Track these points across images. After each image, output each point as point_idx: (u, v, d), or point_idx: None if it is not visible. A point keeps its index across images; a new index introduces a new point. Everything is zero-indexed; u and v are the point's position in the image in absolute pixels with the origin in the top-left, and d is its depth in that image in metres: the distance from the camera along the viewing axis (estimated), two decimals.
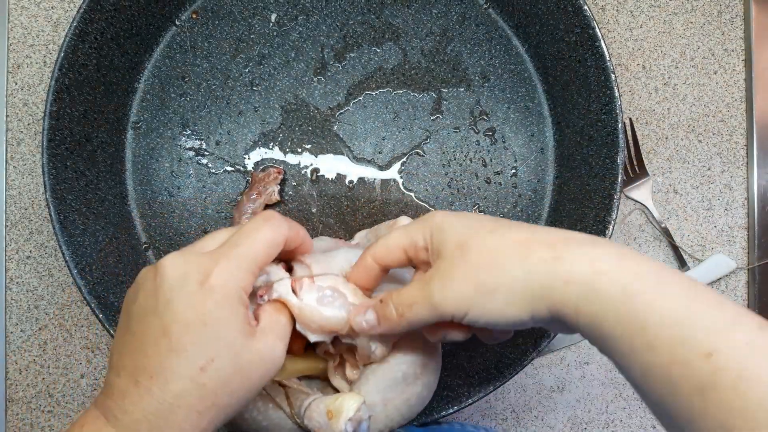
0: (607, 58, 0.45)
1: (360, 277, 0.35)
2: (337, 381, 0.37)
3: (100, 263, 0.46)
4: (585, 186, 0.48)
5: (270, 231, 0.31)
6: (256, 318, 0.32)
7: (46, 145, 0.44)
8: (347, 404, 0.33)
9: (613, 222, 0.46)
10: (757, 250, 0.54)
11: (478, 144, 0.51)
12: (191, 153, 0.51)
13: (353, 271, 0.35)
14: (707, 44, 0.56)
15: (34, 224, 0.53)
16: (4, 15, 0.54)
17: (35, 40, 0.54)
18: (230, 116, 0.51)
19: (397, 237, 0.34)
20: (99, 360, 0.53)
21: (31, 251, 0.53)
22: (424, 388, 0.36)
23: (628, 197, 0.54)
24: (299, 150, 0.51)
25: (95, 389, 0.53)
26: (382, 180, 0.51)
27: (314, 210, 0.50)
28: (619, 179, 0.46)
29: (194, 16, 0.51)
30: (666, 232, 0.54)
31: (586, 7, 0.46)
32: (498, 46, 0.51)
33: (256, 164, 0.51)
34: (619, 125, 0.45)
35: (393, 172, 0.51)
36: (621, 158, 0.46)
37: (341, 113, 0.51)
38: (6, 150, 0.53)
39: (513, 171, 0.51)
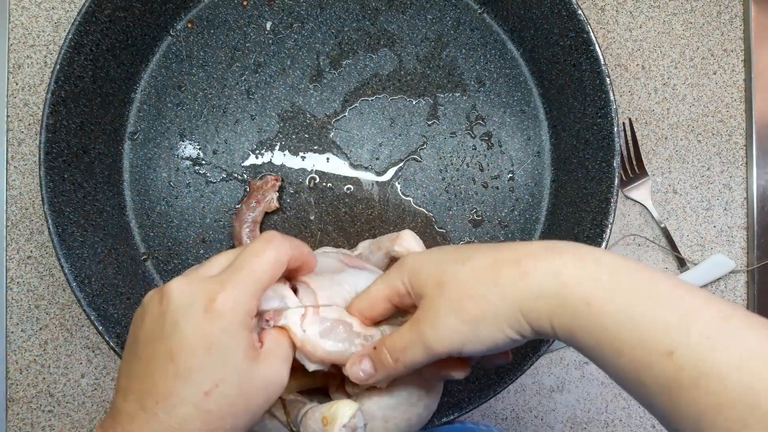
0: (602, 62, 0.45)
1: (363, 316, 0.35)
2: (336, 396, 0.37)
3: (99, 275, 0.46)
4: (582, 189, 0.48)
5: (273, 252, 0.31)
6: (260, 340, 0.32)
7: (43, 158, 0.44)
8: (342, 411, 0.33)
9: (610, 225, 0.46)
10: (756, 250, 0.54)
11: (475, 149, 0.51)
12: (188, 162, 0.51)
13: (354, 311, 0.35)
14: (706, 44, 0.56)
15: (35, 224, 0.53)
16: (5, 15, 0.54)
17: (36, 40, 0.54)
18: (227, 125, 0.51)
19: (377, 290, 0.34)
20: (99, 360, 0.53)
21: (31, 251, 0.53)
22: (425, 410, 0.36)
23: (627, 197, 0.55)
24: (296, 158, 0.51)
25: (95, 389, 0.53)
26: (379, 186, 0.51)
27: (312, 217, 0.51)
28: (616, 183, 0.46)
29: (189, 25, 0.51)
30: (665, 232, 0.54)
31: (580, 12, 0.46)
32: (493, 51, 0.51)
33: (254, 173, 0.51)
34: (615, 129, 0.46)
35: (390, 178, 0.51)
36: (617, 162, 0.46)
37: (338, 120, 0.51)
38: (7, 150, 0.53)
39: (510, 175, 0.51)
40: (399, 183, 0.51)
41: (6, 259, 0.53)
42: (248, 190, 0.50)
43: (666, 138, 0.55)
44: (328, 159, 0.51)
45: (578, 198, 0.48)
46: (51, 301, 0.53)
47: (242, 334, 0.30)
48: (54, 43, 0.54)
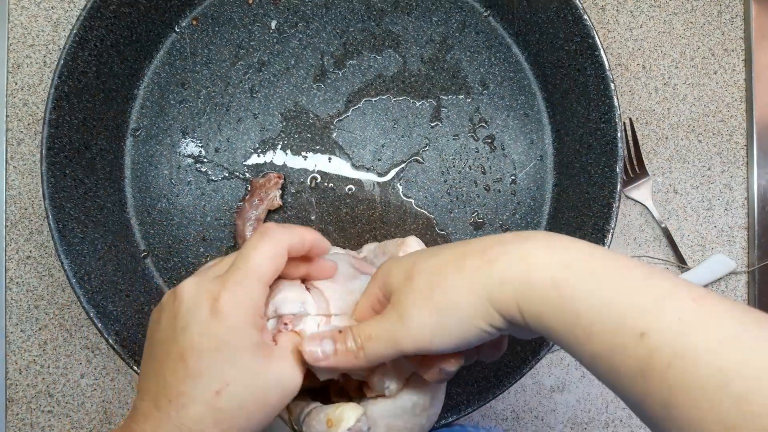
0: (607, 68, 0.45)
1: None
2: (339, 398, 0.37)
3: (99, 271, 0.45)
4: (584, 194, 0.48)
5: (269, 245, 0.31)
6: (275, 339, 0.32)
7: (45, 153, 0.44)
8: (347, 414, 0.33)
9: (612, 230, 0.46)
10: (757, 250, 0.54)
11: (478, 151, 0.51)
12: (190, 160, 0.51)
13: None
14: (707, 44, 0.56)
15: (34, 224, 0.53)
16: (4, 15, 0.54)
17: (35, 40, 0.54)
18: (230, 123, 0.51)
19: (363, 299, 0.34)
20: (99, 360, 0.53)
21: (31, 251, 0.53)
22: (427, 421, 0.36)
23: (628, 197, 0.55)
24: (298, 157, 0.51)
25: (95, 389, 0.53)
26: (381, 187, 0.51)
27: (313, 217, 0.50)
28: (618, 188, 0.46)
29: (194, 22, 0.51)
30: (666, 232, 0.54)
31: (585, 17, 0.46)
32: (498, 54, 0.51)
33: (256, 171, 0.51)
34: (619, 134, 0.46)
35: (392, 180, 0.51)
36: (620, 167, 0.46)
37: (340, 120, 0.51)
38: (6, 150, 0.53)
39: (512, 178, 0.51)
40: (401, 184, 0.51)
41: (5, 259, 0.53)
42: (250, 188, 0.50)
43: (666, 138, 0.55)
44: (330, 159, 0.51)
45: (580, 202, 0.48)
46: (50, 302, 0.53)
47: (250, 332, 0.30)
48: (53, 42, 0.54)
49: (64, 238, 0.44)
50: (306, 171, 0.51)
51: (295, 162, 0.51)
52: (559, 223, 0.50)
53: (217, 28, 0.51)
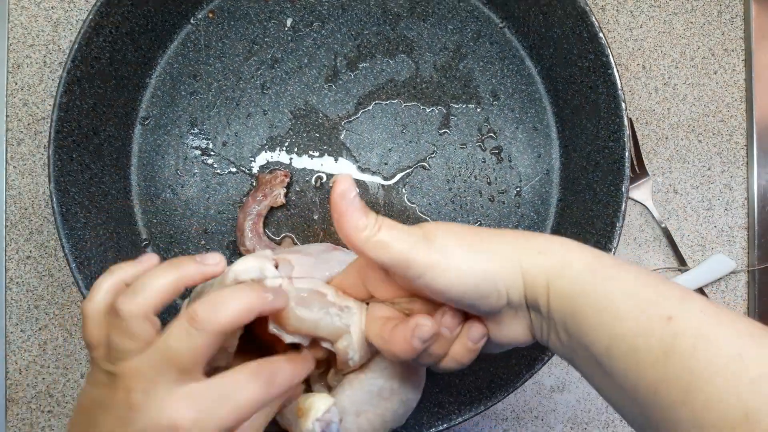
0: (619, 87, 0.45)
1: (346, 283, 0.34)
2: (317, 388, 0.37)
3: (99, 258, 0.45)
4: (588, 211, 0.48)
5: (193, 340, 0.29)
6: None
7: (53, 136, 0.44)
8: (317, 404, 0.33)
9: (614, 249, 0.46)
10: (757, 250, 0.54)
11: (484, 162, 0.51)
12: (197, 152, 0.51)
13: (333, 282, 0.35)
14: (707, 44, 0.56)
15: (34, 224, 0.53)
16: (4, 15, 0.53)
17: (35, 40, 0.54)
18: (239, 118, 0.51)
19: (350, 268, 0.33)
20: None
21: (31, 251, 0.53)
22: (401, 405, 0.36)
23: (628, 197, 0.55)
24: (305, 156, 0.51)
25: None
26: (385, 191, 0.51)
27: (316, 217, 0.50)
28: (623, 207, 0.46)
29: (210, 15, 0.51)
30: (666, 232, 0.54)
31: (601, 35, 0.46)
32: (511, 66, 0.51)
33: (262, 167, 0.51)
34: (626, 154, 0.46)
35: (397, 184, 0.51)
36: (626, 186, 0.46)
37: (349, 122, 0.51)
38: (6, 150, 0.53)
39: (517, 191, 0.51)
40: (405, 189, 0.51)
41: (5, 259, 0.53)
42: (256, 183, 0.50)
43: (667, 138, 0.55)
44: (336, 160, 0.51)
45: (584, 219, 0.48)
46: (50, 302, 0.53)
47: None
48: (53, 42, 0.54)
49: (67, 222, 0.44)
50: (312, 170, 0.51)
51: (301, 161, 0.51)
52: None
53: (232, 22, 0.51)
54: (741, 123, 0.55)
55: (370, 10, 0.51)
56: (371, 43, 0.51)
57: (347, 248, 0.41)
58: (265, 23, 0.51)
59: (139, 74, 0.50)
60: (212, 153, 0.51)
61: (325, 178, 0.51)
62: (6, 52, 0.53)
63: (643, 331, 0.26)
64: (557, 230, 0.51)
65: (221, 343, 0.30)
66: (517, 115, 0.51)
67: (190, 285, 0.32)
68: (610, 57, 0.46)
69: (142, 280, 0.30)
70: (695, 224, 0.55)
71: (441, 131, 0.51)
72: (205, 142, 0.51)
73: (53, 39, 0.54)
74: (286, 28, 0.51)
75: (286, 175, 0.50)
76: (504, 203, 0.51)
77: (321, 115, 0.51)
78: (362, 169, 0.51)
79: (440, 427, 0.45)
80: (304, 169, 0.51)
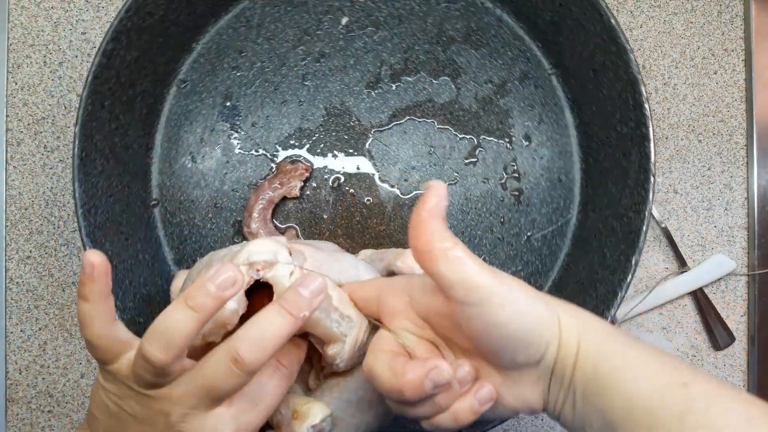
0: (652, 161, 0.45)
1: (359, 294, 0.35)
2: (295, 386, 0.37)
3: (107, 208, 0.46)
4: (594, 273, 0.48)
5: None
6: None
7: (91, 79, 0.44)
8: (314, 411, 0.33)
9: (611, 318, 0.45)
10: (757, 250, 0.54)
11: (502, 201, 0.51)
12: (226, 126, 0.51)
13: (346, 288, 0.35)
14: (707, 44, 0.56)
15: (34, 224, 0.53)
16: (4, 15, 0.54)
17: (35, 40, 0.54)
18: (274, 102, 0.51)
19: (375, 280, 0.34)
20: None
21: (31, 251, 0.53)
22: (375, 420, 0.36)
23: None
24: (329, 155, 0.51)
25: None
26: (399, 206, 0.51)
27: (326, 216, 0.50)
28: (629, 279, 0.45)
29: None
30: (666, 232, 0.54)
31: (646, 105, 0.45)
32: (550, 114, 0.51)
33: (284, 155, 0.51)
34: (644, 228, 0.45)
35: (412, 203, 0.51)
36: (636, 260, 0.45)
37: (380, 131, 0.51)
38: (6, 150, 0.53)
39: (528, 236, 0.51)
40: None
41: (5, 259, 0.53)
42: (276, 170, 0.50)
43: (666, 138, 0.55)
44: (358, 166, 0.51)
45: (587, 280, 0.48)
46: (50, 302, 0.53)
47: None
48: (53, 42, 0.54)
49: (84, 167, 0.44)
50: (331, 170, 0.51)
51: (323, 159, 0.51)
52: (560, 294, 0.49)
53: (289, 8, 0.51)
54: (741, 123, 0.55)
55: (426, 27, 0.51)
56: (419, 59, 0.51)
57: (352, 253, 0.41)
58: (321, 16, 0.51)
59: (188, 37, 0.50)
60: (240, 130, 0.51)
61: (342, 180, 0.51)
62: (6, 52, 0.54)
63: (661, 392, 0.28)
64: (559, 284, 0.50)
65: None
66: (546, 163, 0.51)
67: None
68: (651, 130, 0.45)
69: (166, 324, 0.28)
70: (695, 224, 0.55)
71: (467, 161, 0.51)
72: (236, 118, 0.51)
73: (53, 39, 0.54)
74: (340, 26, 0.51)
75: (306, 169, 0.50)
76: (512, 245, 0.51)
77: (354, 118, 0.51)
78: (382, 180, 0.51)
79: None
80: (324, 167, 0.51)
